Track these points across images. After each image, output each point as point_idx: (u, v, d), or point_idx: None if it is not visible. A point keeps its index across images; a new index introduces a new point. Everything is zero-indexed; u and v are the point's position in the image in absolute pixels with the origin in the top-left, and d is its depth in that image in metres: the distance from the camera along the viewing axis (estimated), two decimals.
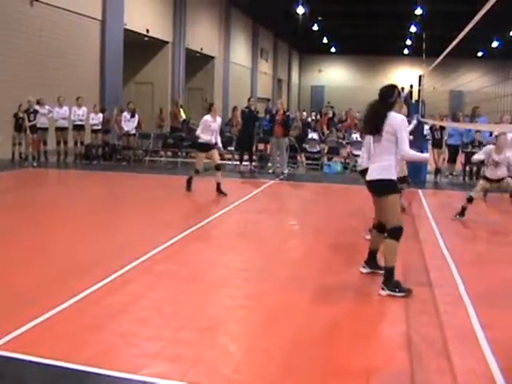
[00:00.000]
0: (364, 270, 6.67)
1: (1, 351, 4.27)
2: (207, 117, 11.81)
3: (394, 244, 6.01)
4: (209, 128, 11.78)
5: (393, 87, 6.18)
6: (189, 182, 12.12)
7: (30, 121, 16.31)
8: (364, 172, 6.76)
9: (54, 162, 17.31)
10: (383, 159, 5.97)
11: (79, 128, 17.87)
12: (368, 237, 7.85)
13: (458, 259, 7.40)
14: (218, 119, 12.21)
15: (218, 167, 11.99)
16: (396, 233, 6.01)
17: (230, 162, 18.18)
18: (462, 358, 4.52)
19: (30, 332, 4.64)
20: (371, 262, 6.68)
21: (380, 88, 6.30)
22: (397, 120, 5.90)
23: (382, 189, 6.01)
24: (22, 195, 10.87)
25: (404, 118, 6.11)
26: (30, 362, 4.14)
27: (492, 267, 7.32)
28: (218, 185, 11.89)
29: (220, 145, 12.39)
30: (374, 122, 6.10)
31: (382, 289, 5.93)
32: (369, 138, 6.94)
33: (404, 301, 5.75)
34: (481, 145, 15.58)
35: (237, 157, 17.83)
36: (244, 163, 17.14)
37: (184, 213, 10.42)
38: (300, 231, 9.25)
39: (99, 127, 18.25)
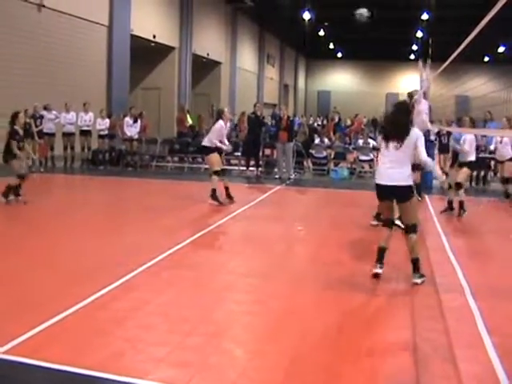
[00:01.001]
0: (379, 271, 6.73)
1: (8, 356, 4.29)
2: (221, 123, 11.66)
3: (416, 237, 6.71)
4: (220, 134, 11.72)
5: (405, 102, 7.35)
6: (214, 193, 11.48)
7: (36, 126, 16.37)
8: None
9: (60, 167, 17.36)
10: (404, 166, 6.58)
11: (86, 133, 17.94)
12: (374, 222, 9.09)
13: (464, 265, 7.39)
14: (228, 124, 12.21)
15: (224, 172, 11.95)
16: (415, 228, 6.69)
17: (236, 168, 18.18)
18: (467, 363, 4.51)
19: (36, 337, 4.66)
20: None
21: (397, 103, 7.07)
22: (417, 134, 6.65)
23: (407, 194, 6.59)
24: (28, 200, 10.90)
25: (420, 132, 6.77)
26: (37, 366, 4.16)
27: (499, 273, 7.30)
28: (227, 189, 11.84)
29: (227, 143, 12.26)
30: (397, 133, 6.64)
31: (417, 277, 6.52)
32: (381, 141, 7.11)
33: (410, 306, 5.75)
34: (486, 150, 15.58)
35: (243, 162, 17.84)
36: (250, 168, 17.16)
37: (190, 218, 10.42)
38: (306, 236, 9.25)
39: (106, 132, 18.30)
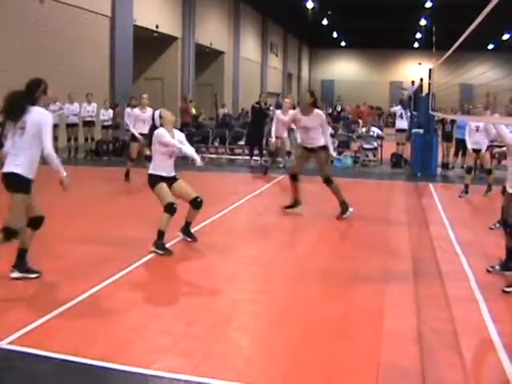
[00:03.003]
0: None
1: (14, 346, 4.30)
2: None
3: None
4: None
5: None
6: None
7: None
8: None
9: (64, 158, 17.35)
10: None
11: (89, 124, 17.94)
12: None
13: (468, 252, 7.39)
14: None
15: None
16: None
17: (240, 157, 18.17)
18: (472, 351, 4.52)
19: (42, 327, 4.67)
20: None
21: None
22: None
23: None
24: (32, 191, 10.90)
25: None
26: (43, 356, 4.17)
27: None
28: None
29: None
30: None
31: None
32: None
33: (415, 294, 5.75)
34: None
35: (247, 151, 17.82)
36: (254, 158, 17.13)
37: None
38: (310, 225, 9.24)
39: (109, 123, 18.29)
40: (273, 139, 12.88)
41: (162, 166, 7.37)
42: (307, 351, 4.43)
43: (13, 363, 4.11)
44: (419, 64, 47.61)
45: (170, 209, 7.10)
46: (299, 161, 9.96)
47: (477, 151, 11.93)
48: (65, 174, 5.78)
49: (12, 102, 5.71)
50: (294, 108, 16.75)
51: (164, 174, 7.35)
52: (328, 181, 9.50)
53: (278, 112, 14.74)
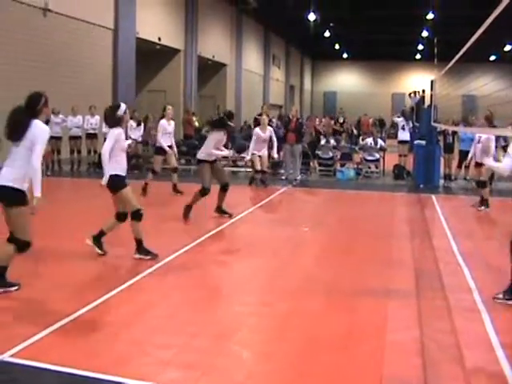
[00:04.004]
0: None
1: (15, 359, 4.29)
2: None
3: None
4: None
5: None
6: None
7: None
8: None
9: (67, 170, 17.40)
10: None
11: (92, 136, 18.00)
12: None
13: (471, 264, 7.37)
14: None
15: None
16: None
17: (242, 169, 18.19)
18: (476, 364, 4.49)
19: (43, 340, 4.66)
20: None
21: None
22: None
23: None
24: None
25: None
26: (45, 369, 4.16)
27: (506, 272, 7.27)
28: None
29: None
30: None
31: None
32: None
33: (417, 306, 5.74)
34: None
35: (249, 163, 17.83)
36: None
37: (196, 220, 10.41)
38: (313, 238, 9.23)
39: None
40: (248, 156, 12.92)
41: (122, 166, 7.42)
42: (309, 364, 4.41)
43: (14, 376, 4.10)
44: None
45: (139, 215, 7.25)
46: None
47: (478, 164, 11.64)
48: (39, 194, 5.68)
49: (14, 122, 5.78)
50: (298, 120, 16.83)
51: (124, 175, 7.43)
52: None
53: (257, 129, 14.71)
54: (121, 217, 7.36)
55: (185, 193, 12.20)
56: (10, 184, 5.60)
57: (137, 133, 18.19)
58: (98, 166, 18.10)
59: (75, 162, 17.80)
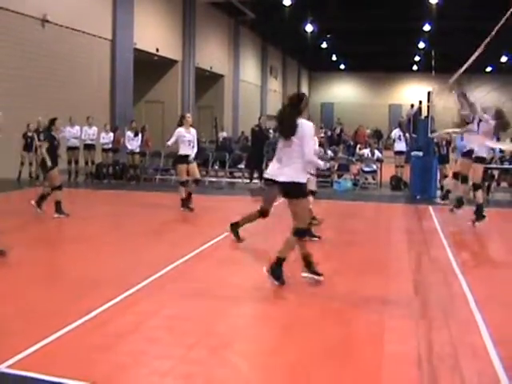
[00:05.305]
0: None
1: (12, 370, 4.28)
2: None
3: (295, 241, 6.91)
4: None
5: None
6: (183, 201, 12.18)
7: (39, 140, 16.44)
8: None
9: (65, 181, 17.38)
10: None
11: (90, 147, 18.05)
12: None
13: (469, 276, 7.37)
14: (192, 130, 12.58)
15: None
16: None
17: (240, 180, 18.21)
18: (474, 375, 4.49)
19: (41, 351, 4.65)
20: None
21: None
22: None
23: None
24: (31, 214, 10.94)
25: None
26: (42, 380, 4.15)
27: (504, 283, 7.29)
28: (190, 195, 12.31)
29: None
30: None
31: (268, 271, 6.75)
32: None
33: (415, 317, 5.74)
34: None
35: (247, 175, 17.87)
36: (254, 181, 17.17)
37: (193, 231, 10.43)
38: (309, 248, 9.21)
39: (110, 146, 18.38)
40: None
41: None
42: (307, 375, 4.40)
43: None
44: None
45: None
46: None
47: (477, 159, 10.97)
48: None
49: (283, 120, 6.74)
50: None
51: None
52: None
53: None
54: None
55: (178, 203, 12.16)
56: (295, 179, 6.51)
57: (134, 143, 18.22)
58: (95, 176, 18.16)
59: (73, 172, 17.82)
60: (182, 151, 12.12)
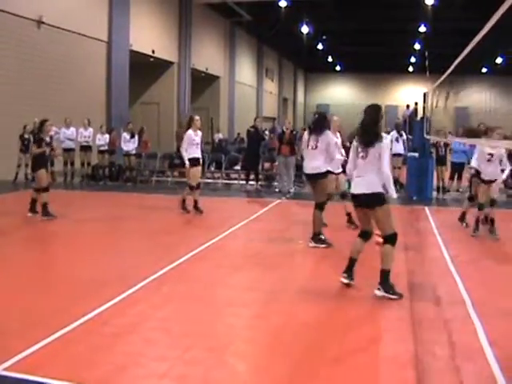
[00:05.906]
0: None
1: (10, 372, 4.28)
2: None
3: (391, 249, 6.61)
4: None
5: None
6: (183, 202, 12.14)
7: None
8: None
9: (61, 182, 17.38)
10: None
11: (86, 149, 18.04)
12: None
13: (464, 275, 7.38)
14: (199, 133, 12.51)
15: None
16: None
17: (236, 182, 18.21)
18: (469, 375, 4.50)
19: (38, 353, 4.65)
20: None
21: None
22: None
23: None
24: (27, 217, 10.94)
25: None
26: (39, 382, 4.15)
27: (499, 284, 7.30)
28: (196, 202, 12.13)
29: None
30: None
31: (378, 289, 6.43)
32: None
33: (411, 318, 5.74)
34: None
35: (243, 176, 17.88)
36: (250, 182, 17.18)
37: (190, 233, 10.43)
38: (307, 250, 9.23)
39: (106, 148, 18.36)
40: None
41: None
42: (303, 377, 4.41)
43: None
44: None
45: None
46: None
47: (490, 182, 10.40)
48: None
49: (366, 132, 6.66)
50: (292, 132, 16.89)
51: None
52: None
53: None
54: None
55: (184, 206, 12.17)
56: (374, 190, 6.48)
57: (130, 145, 18.21)
58: (91, 178, 18.14)
59: (68, 173, 17.81)
60: (192, 154, 12.01)
